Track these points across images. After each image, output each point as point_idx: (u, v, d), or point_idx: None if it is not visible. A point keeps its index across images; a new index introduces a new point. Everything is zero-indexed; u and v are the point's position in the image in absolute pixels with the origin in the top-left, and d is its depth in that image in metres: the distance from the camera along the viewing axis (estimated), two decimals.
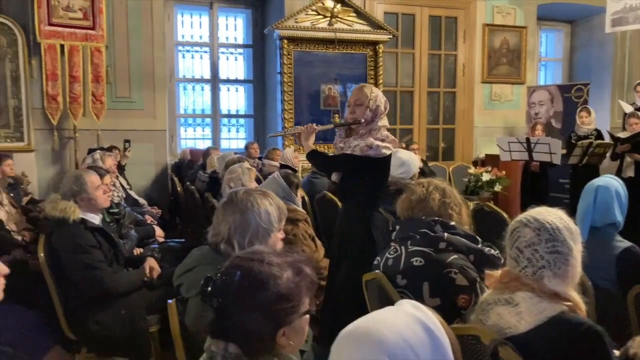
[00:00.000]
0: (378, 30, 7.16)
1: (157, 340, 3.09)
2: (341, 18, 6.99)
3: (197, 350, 1.69)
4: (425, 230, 1.89)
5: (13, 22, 5.82)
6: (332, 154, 3.19)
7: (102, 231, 2.96)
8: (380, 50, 7.26)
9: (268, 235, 1.84)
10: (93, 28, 6.02)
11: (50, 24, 5.81)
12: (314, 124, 3.14)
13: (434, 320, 0.88)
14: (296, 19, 6.84)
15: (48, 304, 2.89)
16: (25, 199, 5.24)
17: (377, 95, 2.96)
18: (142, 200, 5.55)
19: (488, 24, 8.22)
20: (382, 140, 2.91)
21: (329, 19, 6.94)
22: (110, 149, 5.76)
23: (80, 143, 6.21)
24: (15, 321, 2.67)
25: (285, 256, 1.30)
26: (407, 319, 0.86)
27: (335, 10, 6.92)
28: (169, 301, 1.82)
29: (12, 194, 4.91)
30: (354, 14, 7.05)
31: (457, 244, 1.86)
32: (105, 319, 2.85)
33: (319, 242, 3.32)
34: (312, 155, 3.09)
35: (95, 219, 2.98)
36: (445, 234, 1.88)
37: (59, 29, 5.85)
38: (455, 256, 1.83)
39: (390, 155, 2.97)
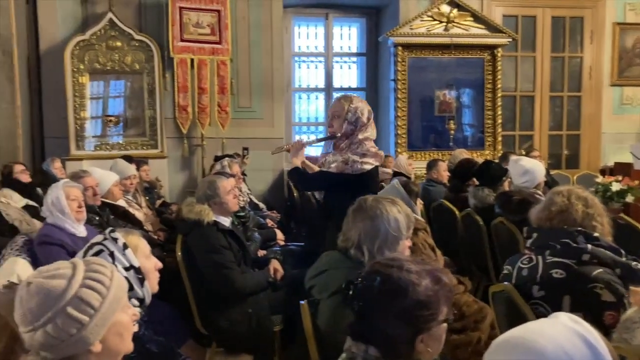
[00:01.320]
0: (496, 34, 6.95)
1: (279, 340, 3.23)
2: (457, 23, 6.86)
3: (329, 350, 1.76)
4: (567, 240, 1.81)
5: (150, 39, 6.38)
6: (313, 172, 3.00)
7: (232, 233, 3.15)
8: (499, 54, 7.03)
9: (397, 242, 1.86)
10: (219, 42, 6.44)
11: (182, 40, 6.30)
12: (302, 139, 3.06)
13: (595, 335, 0.85)
14: (411, 26, 6.83)
15: (183, 299, 3.13)
16: (158, 202, 5.71)
17: (356, 107, 2.79)
18: (261, 205, 5.81)
19: (619, 22, 7.65)
20: (364, 155, 2.76)
21: (444, 24, 6.85)
22: (231, 156, 6.10)
23: (207, 150, 6.65)
24: (158, 314, 2.92)
25: (423, 264, 1.33)
26: (566, 331, 0.85)
27: (452, 15, 6.81)
28: (302, 302, 1.90)
29: (147, 197, 5.37)
30: (470, 18, 6.89)
31: (602, 257, 1.76)
32: (234, 317, 3.02)
33: (438, 252, 3.27)
34: (292, 173, 2.96)
35: (226, 221, 3.18)
36: (589, 246, 1.79)
37: (190, 44, 6.33)
38: (601, 270, 1.74)
39: (372, 170, 2.79)
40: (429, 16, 6.86)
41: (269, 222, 4.73)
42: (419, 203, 3.46)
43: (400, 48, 6.86)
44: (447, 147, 7.03)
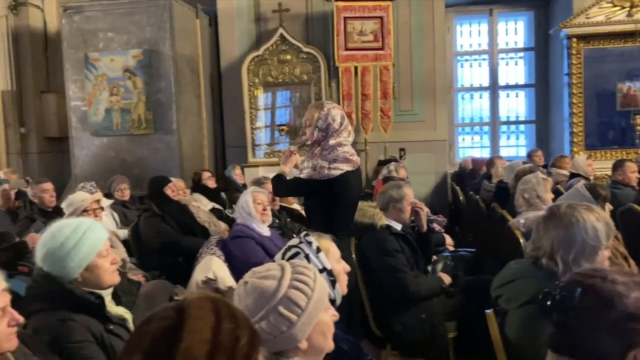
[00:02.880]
0: None
1: (453, 347, 3.18)
2: None
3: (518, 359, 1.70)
4: None
5: (317, 50, 6.70)
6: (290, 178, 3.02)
7: (404, 237, 3.19)
8: None
9: (595, 253, 1.74)
10: (382, 48, 6.53)
11: (346, 49, 6.51)
12: (292, 148, 2.99)
13: None
14: (587, 15, 6.30)
15: (357, 300, 3.23)
16: None
17: (327, 114, 2.78)
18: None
19: None
20: (334, 160, 2.75)
21: (627, 9, 6.20)
22: (396, 160, 6.15)
23: (370, 155, 6.79)
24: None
25: (631, 275, 1.22)
26: None
27: None
28: (487, 311, 1.87)
29: None
30: None
31: None
32: (408, 321, 3.05)
33: (632, 262, 2.97)
34: (273, 179, 3.00)
35: (398, 226, 3.22)
36: None
37: (354, 52, 6.52)
38: None
39: (342, 176, 2.74)
40: (608, 2, 6.26)
41: (436, 227, 4.68)
42: (607, 208, 3.17)
43: (574, 40, 6.35)
44: (631, 145, 6.36)
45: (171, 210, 4.56)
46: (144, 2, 6.15)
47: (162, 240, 4.35)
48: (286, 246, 1.84)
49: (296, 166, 3.06)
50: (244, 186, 6.06)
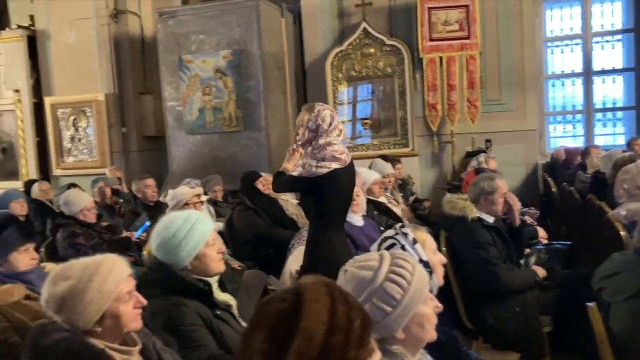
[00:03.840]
0: None
1: (547, 341, 3.10)
2: None
3: (626, 355, 1.66)
4: None
5: (401, 43, 6.67)
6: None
7: (496, 230, 3.14)
8: None
9: None
10: (468, 37, 6.40)
11: (431, 40, 6.44)
12: (294, 146, 3.02)
13: None
14: None
15: (447, 291, 3.23)
16: (411, 199, 5.96)
17: (317, 115, 2.91)
18: None
19: None
20: (322, 159, 2.84)
21: None
22: (484, 151, 6.00)
23: (456, 146, 6.69)
24: None
25: None
26: None
27: None
28: (589, 304, 1.82)
29: (401, 194, 5.65)
30: None
31: None
32: (501, 314, 3.01)
33: None
34: (275, 175, 3.10)
35: (490, 218, 3.18)
36: None
37: (438, 43, 6.43)
38: None
39: (329, 173, 2.83)
40: None
41: (528, 219, 4.54)
42: None
43: None
44: None
45: (262, 203, 4.76)
46: (232, 4, 6.40)
47: (254, 232, 4.56)
48: (382, 237, 1.89)
49: None
50: None
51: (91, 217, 4.02)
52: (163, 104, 6.83)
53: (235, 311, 2.19)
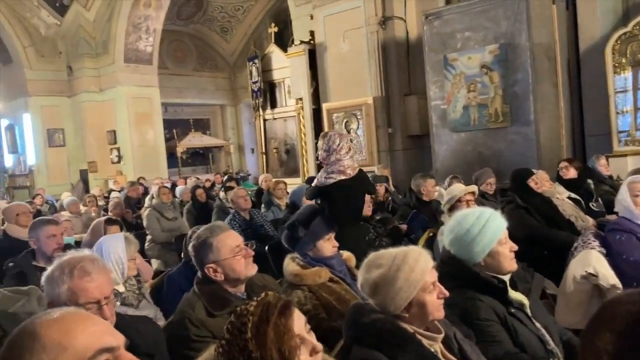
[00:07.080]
0: None
1: None
2: None
3: None
4: None
5: None
6: None
7: None
8: None
9: None
10: None
11: None
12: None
13: None
14: None
15: None
16: None
17: (329, 139, 3.60)
18: None
19: None
20: (331, 172, 3.53)
21: None
22: None
23: None
24: None
25: None
26: None
27: None
28: None
29: None
30: None
31: None
32: None
33: None
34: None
35: None
36: None
37: None
38: None
39: (335, 183, 3.51)
40: None
41: None
42: None
43: None
44: None
45: (535, 202, 4.52)
46: None
47: (526, 232, 4.36)
48: None
49: None
50: (610, 177, 5.58)
51: (367, 211, 4.36)
52: (428, 103, 7.02)
53: (528, 311, 2.15)
